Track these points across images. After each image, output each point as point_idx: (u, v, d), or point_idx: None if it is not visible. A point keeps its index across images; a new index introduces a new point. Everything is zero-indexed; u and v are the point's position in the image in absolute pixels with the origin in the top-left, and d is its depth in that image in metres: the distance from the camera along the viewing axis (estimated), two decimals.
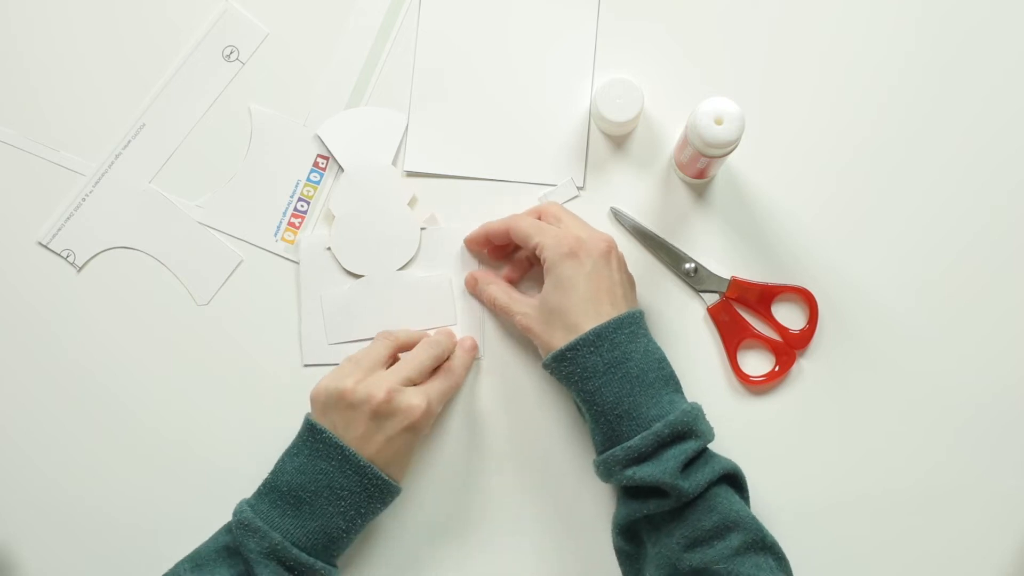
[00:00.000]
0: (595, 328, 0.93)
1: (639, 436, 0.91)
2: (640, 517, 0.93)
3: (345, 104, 1.07)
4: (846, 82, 1.05)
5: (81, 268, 1.06)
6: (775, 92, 1.05)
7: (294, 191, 1.06)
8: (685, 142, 0.97)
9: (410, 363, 0.98)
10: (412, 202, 1.06)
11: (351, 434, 0.94)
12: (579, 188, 1.05)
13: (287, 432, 1.03)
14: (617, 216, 1.05)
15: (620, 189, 1.05)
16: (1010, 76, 1.05)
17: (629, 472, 0.91)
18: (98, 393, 1.06)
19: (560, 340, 0.95)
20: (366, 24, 1.07)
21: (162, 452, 1.05)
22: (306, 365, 1.05)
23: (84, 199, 1.06)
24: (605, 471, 0.94)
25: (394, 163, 1.06)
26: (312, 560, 0.92)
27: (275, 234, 1.06)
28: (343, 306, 1.05)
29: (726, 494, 0.92)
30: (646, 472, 0.90)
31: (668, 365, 0.96)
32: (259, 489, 0.95)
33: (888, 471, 1.02)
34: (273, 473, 0.95)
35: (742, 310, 1.04)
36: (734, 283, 1.03)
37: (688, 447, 0.91)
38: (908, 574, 1.02)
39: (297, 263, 1.06)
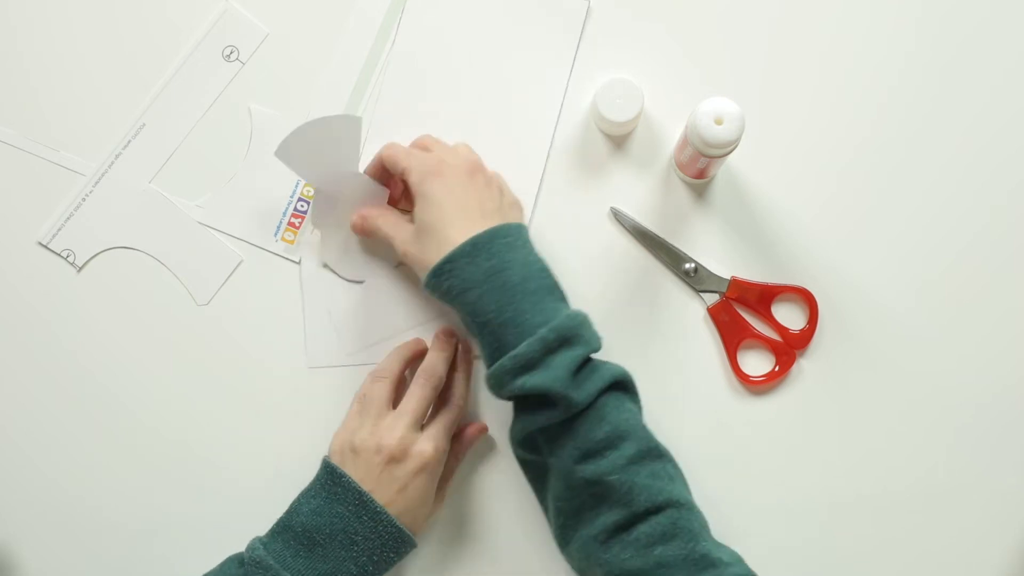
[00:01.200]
0: (470, 238, 0.93)
1: (525, 343, 0.90)
2: (535, 430, 0.92)
3: (345, 104, 1.07)
4: (846, 82, 1.05)
5: (81, 268, 1.06)
6: (775, 92, 1.05)
7: (294, 191, 1.06)
8: (685, 142, 0.97)
9: (413, 403, 0.98)
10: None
11: (366, 485, 0.94)
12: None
13: (287, 432, 1.04)
14: (617, 216, 1.05)
15: (620, 189, 1.05)
16: (1010, 76, 1.05)
17: (519, 382, 0.90)
18: (98, 393, 1.05)
19: (434, 257, 0.94)
20: (366, 24, 1.07)
21: (162, 453, 1.05)
22: (311, 368, 1.05)
23: (84, 199, 1.06)
24: (496, 384, 0.92)
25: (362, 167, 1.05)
26: None
27: (275, 234, 1.06)
28: (352, 314, 1.05)
29: (616, 402, 0.91)
30: (536, 381, 0.89)
31: (551, 276, 0.95)
32: (273, 528, 0.95)
33: (888, 471, 1.02)
34: (288, 513, 0.95)
35: (742, 310, 1.04)
36: (734, 283, 1.03)
37: (575, 354, 0.90)
38: (908, 574, 1.02)
39: (297, 263, 1.06)
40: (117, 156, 1.07)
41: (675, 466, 0.92)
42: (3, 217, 1.07)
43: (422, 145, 1.01)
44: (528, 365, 0.90)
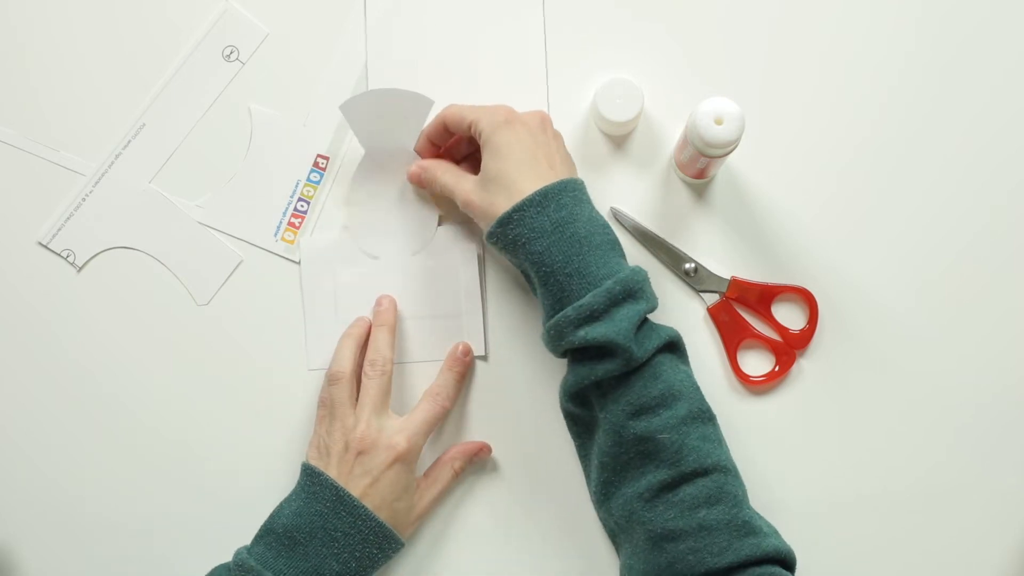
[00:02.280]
0: (541, 188, 0.93)
1: (590, 294, 0.90)
2: (590, 383, 0.93)
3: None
4: (846, 82, 1.05)
5: (81, 268, 1.06)
6: (775, 92, 1.05)
7: (294, 191, 1.06)
8: (685, 142, 0.97)
9: (367, 395, 0.99)
10: None
11: (340, 483, 0.95)
12: None
13: (287, 431, 1.04)
14: (617, 216, 1.05)
15: (620, 189, 1.05)
16: (1010, 76, 1.05)
17: (582, 332, 0.90)
18: (98, 393, 1.05)
19: (502, 205, 0.94)
20: (366, 24, 1.07)
21: (162, 453, 1.05)
22: (311, 370, 1.05)
23: (84, 199, 1.06)
24: (556, 335, 0.92)
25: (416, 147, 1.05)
26: None
27: (275, 234, 1.06)
28: (354, 286, 1.05)
29: (671, 362, 0.92)
30: (599, 332, 0.89)
31: (612, 232, 0.95)
32: (256, 534, 0.96)
33: (888, 471, 1.02)
34: (270, 517, 0.96)
35: (742, 310, 1.04)
36: (734, 283, 1.03)
37: (639, 308, 0.91)
38: (908, 573, 1.02)
39: (297, 263, 1.06)
40: (117, 156, 1.06)
41: (719, 429, 0.93)
42: (3, 217, 1.07)
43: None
44: (593, 316, 0.90)
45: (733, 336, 1.03)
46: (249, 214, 1.06)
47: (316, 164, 1.07)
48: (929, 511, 1.02)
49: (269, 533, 0.95)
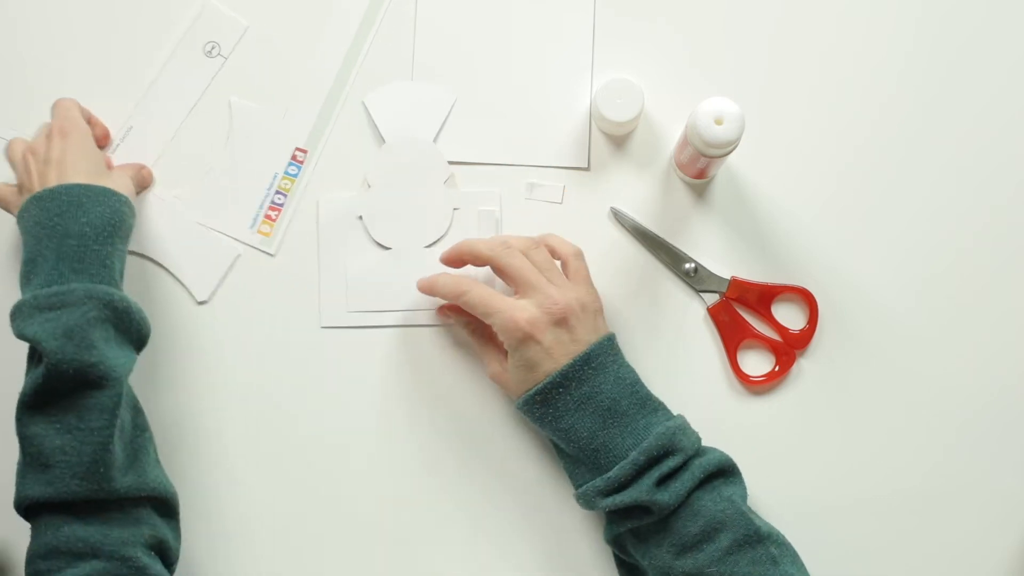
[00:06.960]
0: (561, 370, 0.93)
1: (617, 467, 0.91)
2: (625, 531, 0.94)
3: (326, 95, 1.06)
4: (846, 82, 1.05)
5: None
6: (775, 92, 1.05)
7: (271, 183, 1.05)
8: (685, 142, 0.97)
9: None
10: (450, 181, 1.05)
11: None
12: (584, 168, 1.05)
13: (289, 432, 1.02)
14: (617, 216, 1.04)
15: (620, 189, 1.05)
16: (1011, 76, 1.05)
17: (609, 500, 0.92)
18: None
19: (526, 384, 0.95)
20: (349, 13, 1.07)
21: (160, 452, 1.03)
22: (323, 327, 1.04)
23: None
24: (586, 502, 0.94)
25: (436, 140, 1.05)
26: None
27: (251, 226, 1.05)
28: (365, 276, 1.05)
29: (710, 496, 0.92)
30: (623, 497, 0.91)
31: (642, 387, 0.95)
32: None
33: (888, 471, 1.03)
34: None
35: (742, 310, 1.04)
36: (734, 283, 1.03)
37: (665, 467, 0.91)
38: (908, 573, 1.03)
39: (273, 255, 1.05)
40: None
41: (779, 544, 0.91)
42: (3, 217, 1.03)
43: (541, 262, 0.96)
44: (619, 487, 0.91)
45: (733, 336, 1.03)
46: (225, 206, 1.06)
47: (294, 157, 1.06)
48: (929, 511, 1.03)
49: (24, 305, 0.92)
